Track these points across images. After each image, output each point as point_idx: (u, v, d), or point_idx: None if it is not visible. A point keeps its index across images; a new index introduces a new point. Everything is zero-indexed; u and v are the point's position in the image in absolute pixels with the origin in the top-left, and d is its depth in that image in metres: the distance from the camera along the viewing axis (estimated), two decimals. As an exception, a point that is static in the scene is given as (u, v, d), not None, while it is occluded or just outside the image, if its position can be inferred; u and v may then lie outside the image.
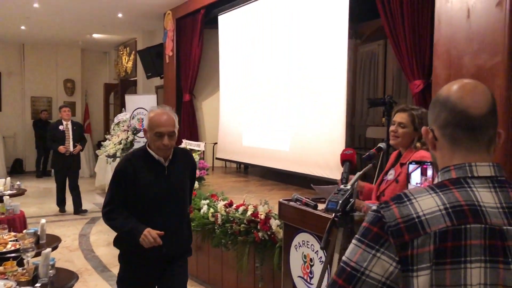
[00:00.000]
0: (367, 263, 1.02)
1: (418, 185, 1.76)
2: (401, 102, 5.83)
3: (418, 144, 2.50)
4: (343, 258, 1.07)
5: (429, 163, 1.78)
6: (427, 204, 1.02)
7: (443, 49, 3.21)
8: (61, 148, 7.02)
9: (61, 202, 7.48)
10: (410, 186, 1.80)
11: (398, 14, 3.77)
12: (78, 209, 7.41)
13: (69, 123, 7.27)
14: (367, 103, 4.82)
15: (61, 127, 7.16)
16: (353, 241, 1.07)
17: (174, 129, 2.44)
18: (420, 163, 1.80)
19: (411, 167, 1.82)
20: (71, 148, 7.14)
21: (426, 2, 3.56)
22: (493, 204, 1.02)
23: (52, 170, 8.19)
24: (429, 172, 1.79)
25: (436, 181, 1.12)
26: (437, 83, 3.28)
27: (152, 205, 2.48)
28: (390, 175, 2.58)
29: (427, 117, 2.65)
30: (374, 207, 1.08)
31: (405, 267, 0.99)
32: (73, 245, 5.77)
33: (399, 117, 2.53)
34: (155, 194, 2.47)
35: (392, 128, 2.55)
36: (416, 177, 1.82)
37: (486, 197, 1.02)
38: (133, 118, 9.01)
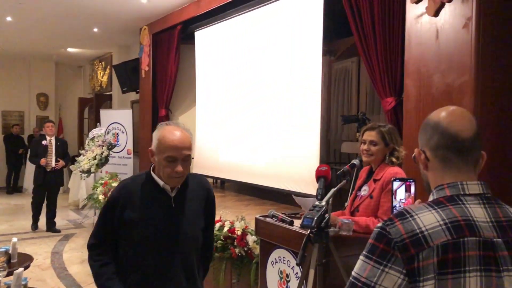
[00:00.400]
0: (377, 278, 1.11)
1: (402, 200, 1.91)
2: (374, 118, 5.97)
3: (394, 160, 2.58)
4: (353, 273, 1.17)
5: (412, 180, 1.92)
6: (428, 220, 1.12)
7: (414, 68, 3.32)
8: (42, 160, 6.88)
9: (36, 220, 7.28)
10: (394, 202, 1.94)
11: (371, 33, 3.88)
12: (52, 228, 7.21)
13: (53, 138, 7.14)
14: (341, 120, 4.92)
15: (44, 142, 7.03)
16: (361, 257, 1.16)
17: (190, 152, 1.94)
18: (404, 180, 1.93)
19: (396, 184, 1.94)
20: (53, 164, 7.00)
21: (397, 22, 3.67)
22: (484, 218, 1.13)
23: (24, 187, 7.98)
24: (413, 189, 1.92)
25: (430, 198, 1.22)
26: (408, 100, 3.38)
27: (150, 247, 1.94)
28: (364, 191, 2.64)
29: (394, 132, 2.75)
30: (380, 224, 1.17)
31: (412, 279, 1.09)
32: (45, 263, 5.64)
33: (369, 135, 2.62)
34: (154, 233, 1.93)
35: (363, 147, 2.64)
36: (400, 193, 1.95)
37: (477, 212, 1.14)
38: (108, 133, 8.92)
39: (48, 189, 7.13)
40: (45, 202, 7.19)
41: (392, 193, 1.91)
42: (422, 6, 3.22)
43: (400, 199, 1.93)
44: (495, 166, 2.91)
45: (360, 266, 1.15)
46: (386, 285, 1.10)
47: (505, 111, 2.99)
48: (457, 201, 1.16)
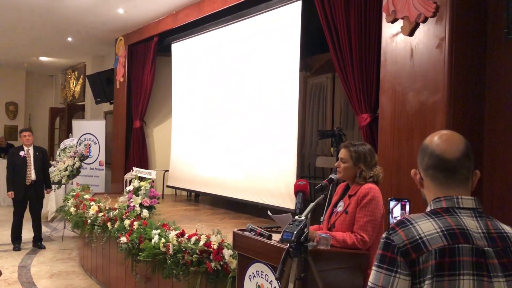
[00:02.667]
0: (391, 284, 1.23)
1: (398, 217, 2.13)
2: (349, 133, 6.06)
3: (361, 181, 2.62)
4: (369, 284, 1.28)
5: (406, 200, 2.14)
6: (427, 227, 1.26)
7: (389, 85, 3.40)
8: (9, 194, 6.53)
9: (16, 239, 6.70)
10: (391, 220, 2.15)
11: (347, 50, 3.96)
12: (38, 243, 6.81)
13: (31, 148, 6.72)
14: (317, 135, 4.97)
15: (22, 153, 6.62)
16: (373, 268, 1.29)
17: None
18: (399, 200, 2.16)
19: (392, 203, 2.13)
20: (33, 176, 6.59)
21: (373, 40, 3.77)
22: (476, 229, 1.27)
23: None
24: (407, 208, 2.14)
25: (428, 209, 1.35)
26: (383, 117, 3.45)
27: None
28: (340, 207, 2.68)
29: (366, 152, 2.84)
30: (384, 234, 1.30)
31: (413, 280, 1.23)
32: (12, 277, 5.44)
33: (341, 153, 2.73)
34: None
35: (336, 163, 2.75)
36: (396, 211, 2.19)
37: (470, 224, 1.27)
38: (80, 144, 8.76)
39: (30, 204, 6.68)
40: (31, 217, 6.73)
41: (389, 212, 2.09)
42: (397, 26, 3.32)
43: (395, 217, 2.14)
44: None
45: (374, 276, 1.27)
46: None
47: (476, 128, 3.09)
48: (452, 212, 1.29)
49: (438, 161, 1.33)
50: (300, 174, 6.50)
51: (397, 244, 1.25)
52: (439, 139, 1.35)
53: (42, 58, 10.65)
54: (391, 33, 3.38)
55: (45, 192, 6.89)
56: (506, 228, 1.32)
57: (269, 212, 2.74)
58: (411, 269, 1.23)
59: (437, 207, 1.32)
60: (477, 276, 1.22)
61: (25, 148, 6.71)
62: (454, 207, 1.30)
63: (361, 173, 2.63)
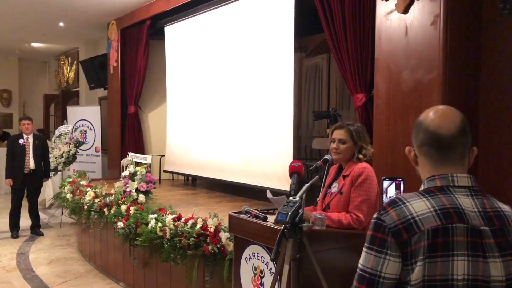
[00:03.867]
0: (381, 266, 1.19)
1: (393, 197, 2.07)
2: (345, 114, 6.04)
3: (360, 156, 2.61)
4: (359, 265, 1.24)
5: (400, 179, 2.10)
6: (419, 207, 1.21)
7: (384, 64, 3.36)
8: (7, 182, 6.49)
9: (14, 226, 6.67)
10: (385, 199, 2.10)
11: (341, 30, 3.91)
12: (36, 230, 6.80)
13: (30, 137, 6.60)
14: (312, 116, 4.95)
15: (21, 141, 6.51)
16: (364, 249, 1.25)
17: None
18: (393, 178, 2.11)
19: (386, 183, 2.08)
20: (32, 165, 6.52)
21: (368, 19, 3.71)
22: (472, 208, 1.22)
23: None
24: (402, 187, 2.10)
25: (421, 188, 1.30)
26: (378, 96, 3.42)
27: None
28: (334, 188, 2.67)
29: (362, 130, 2.81)
30: (375, 215, 1.25)
31: (405, 262, 1.18)
32: (11, 265, 5.45)
33: (338, 134, 2.65)
34: None
35: (333, 145, 2.66)
36: (391, 191, 2.15)
37: (466, 202, 1.23)
38: (75, 130, 8.72)
39: (28, 192, 6.67)
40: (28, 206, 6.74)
41: (383, 191, 2.05)
42: (391, 3, 3.27)
43: (390, 197, 2.10)
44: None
45: (364, 258, 1.23)
46: (390, 272, 1.18)
47: (471, 106, 3.07)
48: (447, 191, 1.24)
49: (433, 138, 1.27)
50: (297, 156, 6.50)
51: (388, 224, 1.20)
52: (434, 114, 1.29)
53: (34, 44, 10.53)
54: (386, 11, 3.33)
55: (43, 181, 6.85)
56: (504, 206, 1.27)
57: (268, 192, 2.71)
58: (402, 250, 1.18)
59: (431, 186, 1.27)
60: (472, 256, 1.18)
61: (25, 136, 6.61)
62: (449, 186, 1.25)
63: (361, 151, 2.61)
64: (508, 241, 1.21)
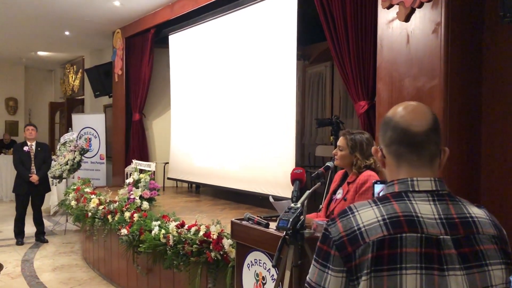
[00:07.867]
0: (323, 281, 1.09)
1: None
2: (348, 122, 6.05)
3: (355, 170, 2.64)
4: (307, 278, 1.14)
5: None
6: (367, 216, 1.09)
7: (385, 72, 3.38)
8: (33, 178, 6.47)
9: (19, 233, 6.68)
10: None
11: (344, 38, 3.93)
12: (40, 237, 6.82)
13: (34, 144, 6.65)
14: (315, 123, 4.97)
15: (25, 148, 6.58)
16: (312, 261, 1.15)
17: None
18: (384, 182, 2.01)
19: (377, 187, 1.98)
20: (35, 172, 6.55)
21: (369, 27, 3.74)
22: (431, 215, 1.08)
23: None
24: None
25: (381, 193, 1.19)
26: (380, 104, 3.43)
27: None
28: (339, 194, 2.69)
29: (361, 141, 2.82)
30: (324, 225, 1.15)
31: (350, 277, 1.06)
32: (15, 271, 5.47)
33: (339, 140, 2.75)
34: None
35: (334, 151, 2.77)
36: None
37: (424, 209, 1.09)
38: (80, 137, 8.77)
39: (33, 198, 6.66)
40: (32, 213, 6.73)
41: (373, 196, 1.95)
42: (393, 11, 3.29)
43: None
44: (464, 170, 3.00)
45: (311, 270, 1.14)
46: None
47: (474, 114, 3.08)
48: (403, 197, 1.11)
49: (402, 135, 1.14)
50: (300, 164, 6.51)
51: (333, 236, 1.09)
52: (404, 110, 1.17)
53: (40, 53, 10.63)
54: (387, 19, 3.35)
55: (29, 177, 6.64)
56: (476, 211, 1.13)
57: (271, 198, 2.74)
58: (346, 264, 1.06)
59: (388, 192, 1.15)
60: (426, 269, 1.04)
61: (29, 143, 6.68)
62: (408, 191, 1.12)
63: (356, 162, 2.64)
64: (476, 251, 1.07)
